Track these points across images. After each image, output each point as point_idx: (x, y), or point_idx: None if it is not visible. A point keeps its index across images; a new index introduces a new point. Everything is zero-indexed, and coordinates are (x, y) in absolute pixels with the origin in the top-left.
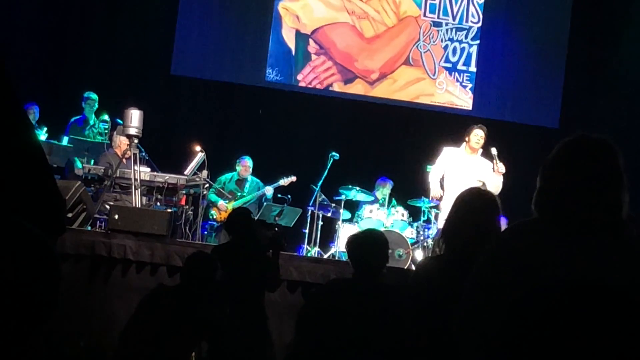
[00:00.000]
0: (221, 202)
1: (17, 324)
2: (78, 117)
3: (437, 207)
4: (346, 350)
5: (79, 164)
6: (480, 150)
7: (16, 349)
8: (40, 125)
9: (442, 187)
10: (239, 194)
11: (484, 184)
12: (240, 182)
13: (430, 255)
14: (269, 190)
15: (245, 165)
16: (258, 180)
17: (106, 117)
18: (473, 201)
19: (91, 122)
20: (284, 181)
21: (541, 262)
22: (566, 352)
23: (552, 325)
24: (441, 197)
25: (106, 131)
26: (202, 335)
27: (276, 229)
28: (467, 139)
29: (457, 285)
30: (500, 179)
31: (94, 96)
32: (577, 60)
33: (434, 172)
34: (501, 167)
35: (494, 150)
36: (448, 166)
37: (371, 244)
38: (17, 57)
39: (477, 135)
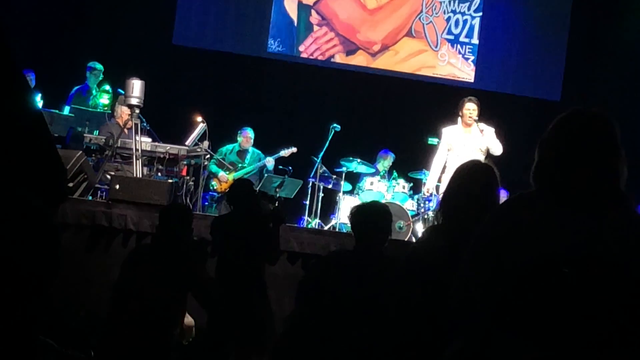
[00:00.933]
0: (222, 173)
1: (17, 293)
2: (80, 86)
3: (438, 179)
4: (346, 321)
5: None
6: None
7: (17, 317)
8: (34, 92)
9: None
10: (239, 165)
11: (487, 153)
12: (241, 153)
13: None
14: (269, 162)
15: (247, 136)
16: (259, 152)
17: (107, 87)
18: (471, 173)
19: (94, 93)
20: (285, 152)
21: (539, 234)
22: (561, 324)
23: (548, 297)
24: (428, 191)
25: (108, 101)
26: (185, 289)
27: (277, 203)
28: (460, 113)
29: (455, 256)
30: (496, 140)
31: (100, 66)
32: (579, 32)
33: (437, 157)
34: (481, 126)
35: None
36: (450, 146)
37: (375, 216)
38: (15, 24)
39: (470, 109)
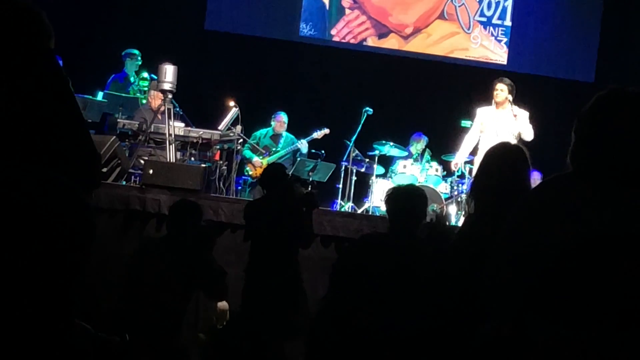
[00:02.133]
0: (256, 159)
1: (52, 276)
2: (118, 73)
3: (471, 162)
4: (379, 304)
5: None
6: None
7: (51, 301)
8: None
9: (476, 148)
10: (273, 149)
11: (519, 137)
12: (275, 137)
13: (463, 210)
14: (303, 145)
15: (281, 120)
16: (292, 136)
17: (146, 74)
18: (501, 155)
19: (132, 80)
20: (317, 134)
21: (576, 214)
22: (597, 306)
23: (584, 278)
24: (456, 165)
25: (146, 89)
26: (196, 282)
27: (310, 186)
28: (493, 95)
29: (487, 242)
30: (529, 125)
31: (137, 52)
32: (612, 13)
33: (470, 135)
34: (515, 110)
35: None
36: (483, 126)
37: (410, 199)
38: (48, 11)
39: (498, 89)
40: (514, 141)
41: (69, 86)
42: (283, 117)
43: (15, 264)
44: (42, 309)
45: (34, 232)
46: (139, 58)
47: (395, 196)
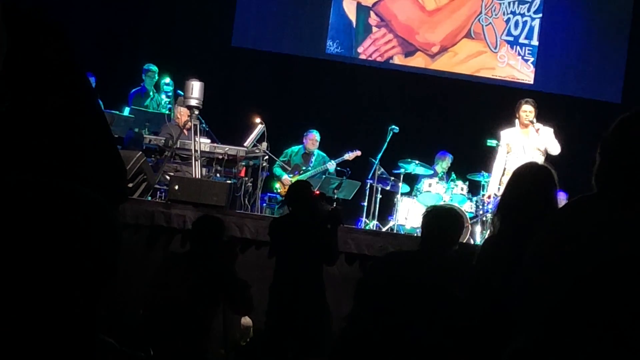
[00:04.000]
0: (285, 177)
1: (78, 289)
2: (138, 88)
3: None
4: (404, 322)
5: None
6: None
7: (78, 315)
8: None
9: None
10: (304, 167)
11: (546, 153)
12: (307, 155)
13: (488, 229)
14: (332, 165)
15: (313, 138)
16: (324, 155)
17: (168, 79)
18: (528, 175)
19: (151, 95)
20: (349, 155)
21: (601, 238)
22: (623, 327)
23: (610, 300)
24: (490, 197)
25: (169, 94)
26: (221, 297)
27: (335, 203)
28: (517, 115)
29: (512, 262)
30: (554, 140)
31: (154, 68)
32: None
33: (497, 161)
34: (537, 125)
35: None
36: (509, 147)
37: (449, 219)
38: (75, 27)
39: (526, 111)
40: (541, 158)
41: (97, 101)
42: (315, 135)
43: (41, 277)
44: (67, 323)
45: (61, 245)
46: (156, 75)
47: (434, 215)
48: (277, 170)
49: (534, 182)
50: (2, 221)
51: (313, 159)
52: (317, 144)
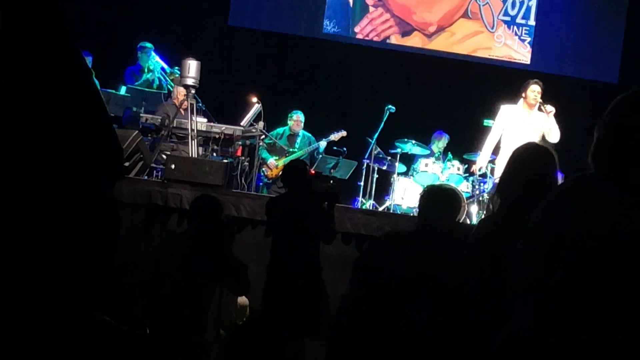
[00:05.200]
0: (271, 160)
1: (75, 267)
2: (133, 66)
3: (493, 161)
4: (401, 302)
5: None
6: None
7: (74, 293)
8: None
9: (498, 146)
10: (290, 149)
11: (544, 137)
12: (292, 137)
13: (485, 209)
14: (322, 144)
15: (297, 120)
16: (310, 135)
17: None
18: (529, 156)
19: (146, 72)
20: (334, 136)
21: (598, 218)
22: (620, 307)
23: (607, 280)
24: (480, 169)
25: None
26: (218, 277)
27: (332, 181)
28: (524, 95)
29: (511, 242)
30: (556, 125)
31: (149, 45)
32: (637, 14)
33: (492, 134)
34: (549, 108)
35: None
36: (507, 125)
37: (446, 199)
38: (72, 7)
39: (535, 91)
40: (538, 141)
41: (94, 79)
42: (300, 116)
43: (38, 256)
44: (64, 301)
45: (57, 223)
46: (151, 51)
47: (432, 194)
48: (263, 153)
49: (535, 163)
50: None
51: (298, 140)
52: (302, 124)
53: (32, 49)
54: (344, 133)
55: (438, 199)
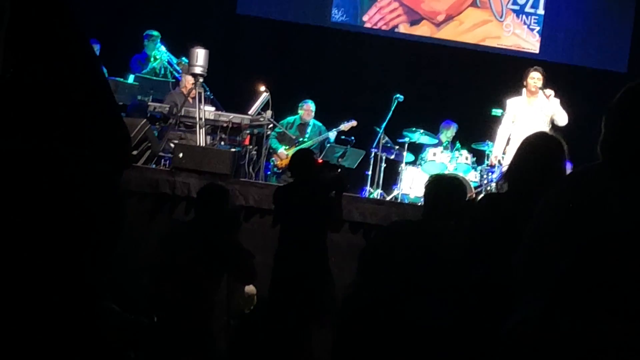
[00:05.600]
0: (281, 150)
1: (82, 255)
2: (139, 54)
3: (502, 151)
4: (407, 291)
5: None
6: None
7: (81, 281)
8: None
9: (509, 138)
10: (300, 139)
11: (552, 124)
12: (303, 126)
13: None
14: (332, 134)
15: (308, 109)
16: (320, 124)
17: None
18: (538, 145)
19: (151, 60)
20: (344, 126)
21: (606, 206)
22: (624, 296)
23: (613, 269)
24: (496, 159)
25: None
26: (224, 265)
27: (339, 170)
28: (525, 83)
29: (519, 230)
30: (562, 110)
31: (156, 33)
32: None
33: (502, 128)
34: (547, 91)
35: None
36: (515, 116)
37: (451, 188)
38: None
39: (534, 78)
40: (547, 127)
41: (101, 68)
42: (310, 105)
43: (45, 243)
44: (70, 289)
45: (64, 211)
46: (158, 40)
47: (437, 184)
48: (273, 142)
49: (544, 152)
50: (7, 187)
51: (309, 130)
52: (313, 114)
53: (40, 37)
54: (354, 123)
55: (443, 189)
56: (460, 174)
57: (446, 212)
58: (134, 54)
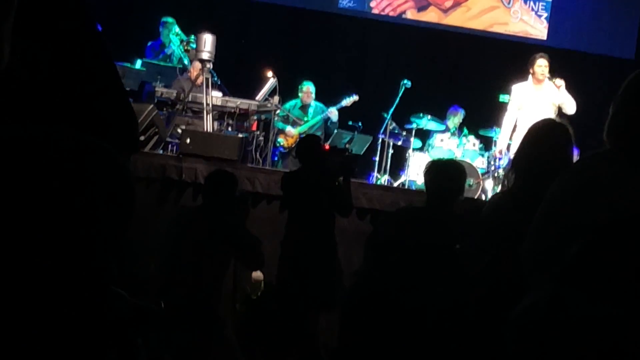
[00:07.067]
0: (289, 128)
1: (89, 242)
2: (154, 41)
3: (509, 138)
4: (413, 277)
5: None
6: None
7: (89, 267)
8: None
9: (515, 125)
10: (304, 119)
11: (559, 111)
12: (304, 108)
13: (500, 185)
14: (333, 113)
15: (307, 91)
16: (322, 105)
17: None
18: (545, 132)
19: (167, 47)
20: (347, 101)
21: (613, 192)
22: (634, 283)
23: (621, 255)
24: (501, 152)
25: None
26: (232, 251)
27: (347, 153)
28: (531, 70)
29: (527, 217)
30: (570, 97)
31: (171, 19)
32: None
33: (508, 115)
34: (558, 82)
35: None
36: (521, 103)
37: (449, 173)
38: None
39: (542, 66)
40: (553, 116)
41: (109, 52)
42: (310, 87)
43: (53, 227)
44: (79, 274)
45: (73, 196)
46: (174, 26)
47: (434, 170)
48: (279, 124)
49: (551, 139)
50: (15, 172)
51: (311, 111)
52: (313, 95)
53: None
54: (355, 98)
55: (440, 174)
56: (468, 160)
57: (447, 196)
58: (141, 39)
